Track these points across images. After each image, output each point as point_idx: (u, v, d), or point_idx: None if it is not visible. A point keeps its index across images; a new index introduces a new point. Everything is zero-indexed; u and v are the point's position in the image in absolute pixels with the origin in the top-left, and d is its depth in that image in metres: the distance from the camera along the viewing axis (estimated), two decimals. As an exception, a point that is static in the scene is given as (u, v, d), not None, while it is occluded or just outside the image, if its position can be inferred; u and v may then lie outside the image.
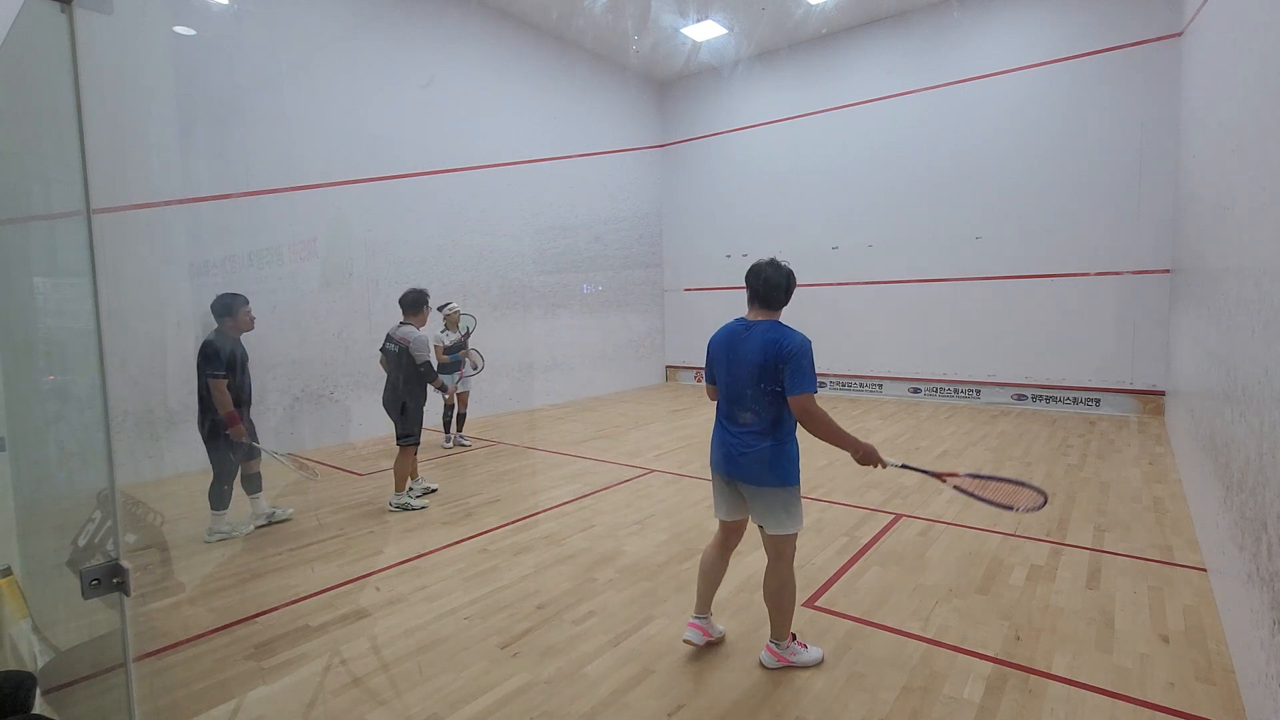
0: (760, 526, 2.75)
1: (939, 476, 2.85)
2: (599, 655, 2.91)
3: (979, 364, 9.46)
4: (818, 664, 2.82)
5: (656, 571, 3.81)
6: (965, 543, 4.14)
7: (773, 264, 2.79)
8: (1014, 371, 9.18)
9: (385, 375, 5.20)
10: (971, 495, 2.82)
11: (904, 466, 2.88)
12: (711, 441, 2.93)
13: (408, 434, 4.98)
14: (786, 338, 2.60)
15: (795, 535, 2.74)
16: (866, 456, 2.63)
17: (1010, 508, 2.75)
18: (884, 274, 10.18)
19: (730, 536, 2.95)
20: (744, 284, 2.85)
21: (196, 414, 4.29)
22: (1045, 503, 2.70)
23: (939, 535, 4.28)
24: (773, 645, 2.82)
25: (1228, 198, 3.54)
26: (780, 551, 2.73)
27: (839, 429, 2.57)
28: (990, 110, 9.13)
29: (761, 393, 2.63)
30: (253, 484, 4.64)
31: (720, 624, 3.08)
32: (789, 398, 2.56)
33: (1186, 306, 5.79)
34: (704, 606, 2.95)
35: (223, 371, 4.14)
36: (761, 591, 2.87)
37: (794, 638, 2.84)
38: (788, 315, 2.81)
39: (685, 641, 2.88)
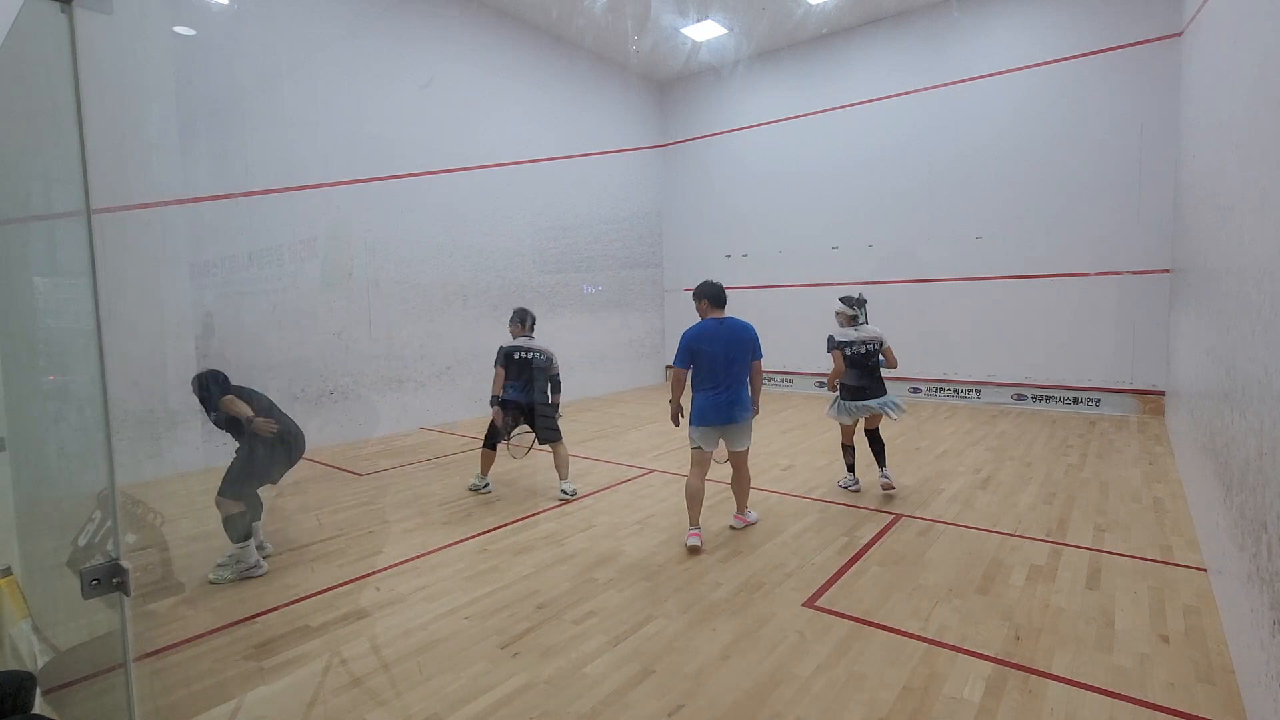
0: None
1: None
2: (599, 655, 2.91)
3: (979, 364, 9.46)
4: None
5: (656, 571, 3.80)
6: (965, 543, 4.14)
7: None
8: (1014, 371, 9.18)
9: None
10: None
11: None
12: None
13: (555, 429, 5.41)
14: None
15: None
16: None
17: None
18: (884, 274, 10.18)
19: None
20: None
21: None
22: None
23: (939, 535, 4.28)
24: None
25: (1228, 198, 3.54)
26: None
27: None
28: (990, 110, 9.12)
29: None
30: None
31: None
32: None
33: (1186, 306, 5.78)
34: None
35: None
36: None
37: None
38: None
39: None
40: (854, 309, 5.10)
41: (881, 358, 5.07)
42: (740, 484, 4.47)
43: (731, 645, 2.97)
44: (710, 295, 4.25)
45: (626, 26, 10.18)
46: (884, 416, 5.04)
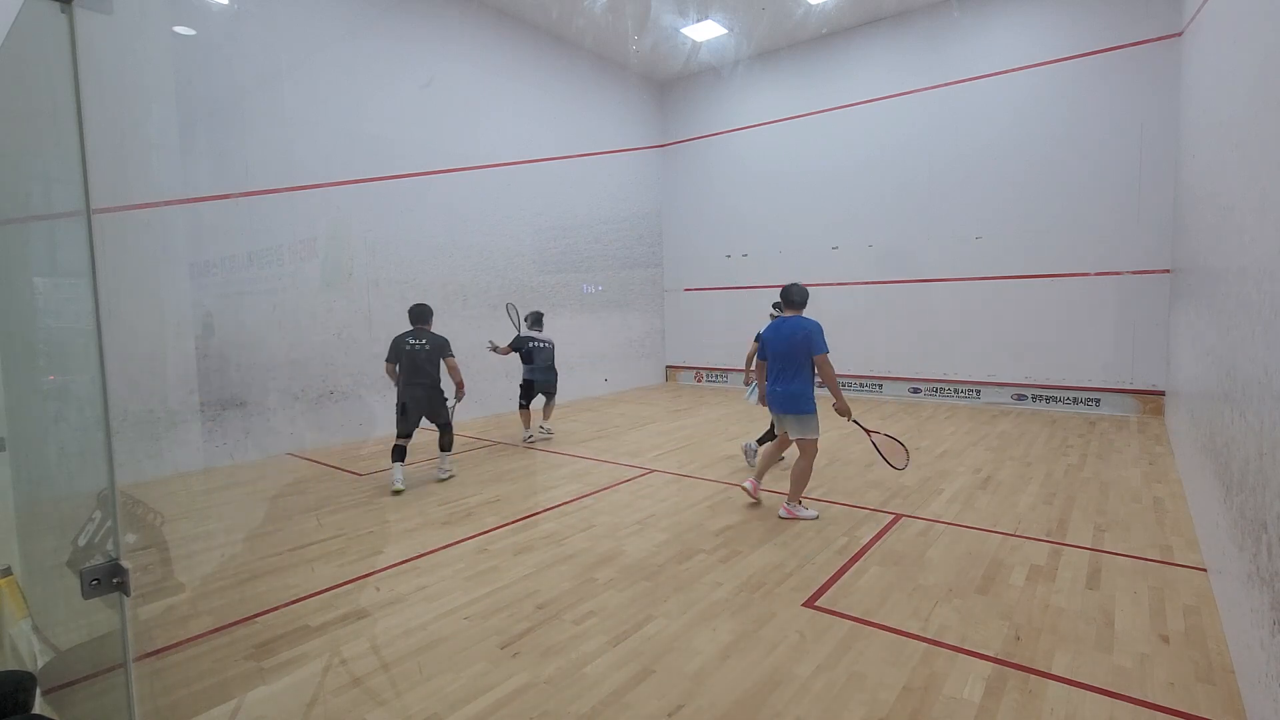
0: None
1: (866, 431, 4.71)
2: (599, 655, 2.91)
3: (979, 364, 9.46)
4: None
5: (656, 571, 3.81)
6: (965, 543, 4.14)
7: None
8: (1014, 371, 9.18)
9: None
10: (876, 448, 4.58)
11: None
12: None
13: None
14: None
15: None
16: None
17: (894, 466, 4.55)
18: (884, 274, 10.18)
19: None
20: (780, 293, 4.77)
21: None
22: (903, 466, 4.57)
23: (939, 535, 4.28)
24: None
25: (1228, 198, 3.54)
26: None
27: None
28: (990, 110, 9.12)
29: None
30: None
31: None
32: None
33: (1186, 306, 5.78)
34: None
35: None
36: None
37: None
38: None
39: None
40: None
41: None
42: (795, 470, 4.67)
43: (731, 645, 2.97)
44: (783, 297, 4.78)
45: (626, 26, 10.18)
46: None
